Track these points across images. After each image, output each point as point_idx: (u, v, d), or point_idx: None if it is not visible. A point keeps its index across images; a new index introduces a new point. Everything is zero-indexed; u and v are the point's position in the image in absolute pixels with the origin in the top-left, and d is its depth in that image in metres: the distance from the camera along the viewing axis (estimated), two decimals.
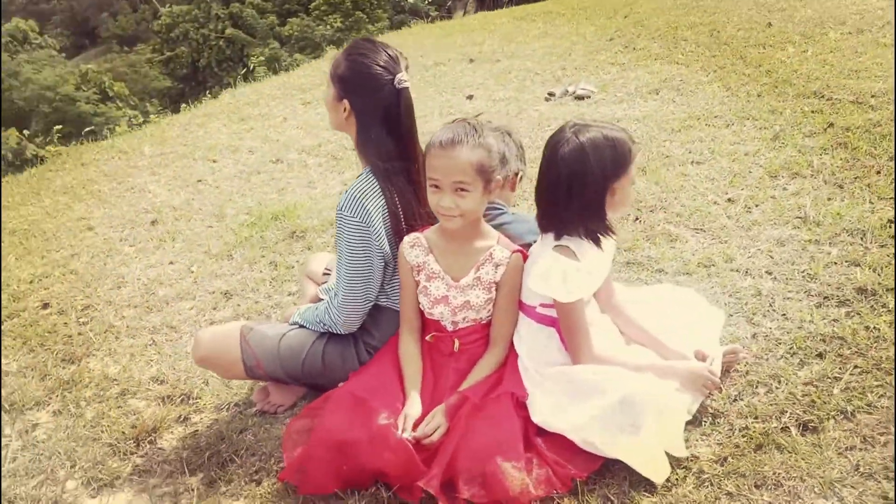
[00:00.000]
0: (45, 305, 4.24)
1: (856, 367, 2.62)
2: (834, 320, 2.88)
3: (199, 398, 3.18)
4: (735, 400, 2.61)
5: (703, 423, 2.55)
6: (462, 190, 2.50)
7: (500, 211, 2.92)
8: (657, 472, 2.32)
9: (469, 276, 2.63)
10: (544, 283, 2.50)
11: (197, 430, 3.00)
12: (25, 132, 17.45)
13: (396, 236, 2.76)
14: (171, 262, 4.51)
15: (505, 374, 2.63)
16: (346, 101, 2.75)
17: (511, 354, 2.68)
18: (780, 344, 2.83)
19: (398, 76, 2.72)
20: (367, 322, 2.88)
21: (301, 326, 2.94)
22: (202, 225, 5.00)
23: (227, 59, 30.94)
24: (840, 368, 2.63)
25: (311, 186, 5.42)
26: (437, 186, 2.53)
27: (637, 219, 3.95)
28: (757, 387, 2.65)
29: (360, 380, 2.68)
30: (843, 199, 3.70)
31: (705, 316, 2.91)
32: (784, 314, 2.98)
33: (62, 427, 3.12)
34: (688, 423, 2.55)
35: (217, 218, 5.06)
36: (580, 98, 6.30)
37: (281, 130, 6.87)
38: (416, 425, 2.49)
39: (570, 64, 7.61)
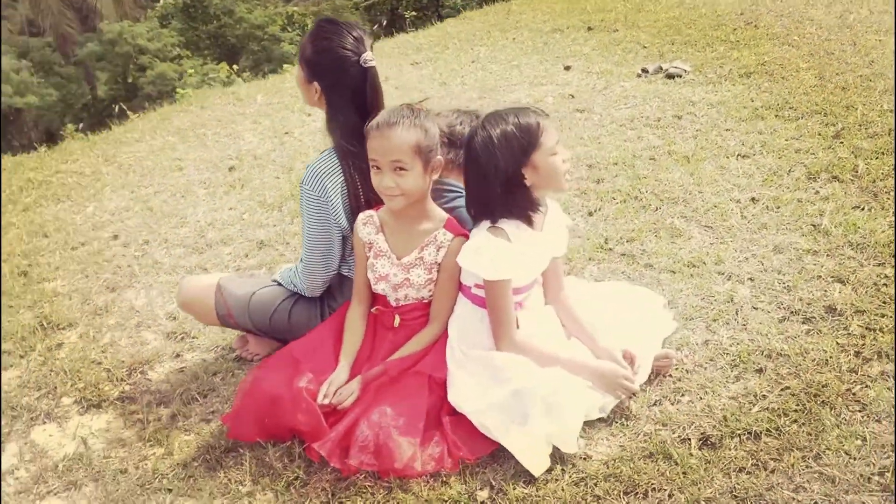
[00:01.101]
0: (115, 237, 4.64)
1: (786, 388, 2.53)
2: (790, 337, 2.77)
3: (196, 338, 3.43)
4: (654, 405, 2.59)
5: (615, 423, 2.54)
6: (400, 169, 2.57)
7: (458, 194, 2.96)
8: (536, 464, 2.35)
9: (412, 256, 2.71)
10: (473, 258, 2.55)
11: (183, 368, 3.26)
12: (235, 67, 18.48)
13: (355, 213, 2.86)
14: (231, 208, 4.80)
15: (431, 352, 2.70)
16: (315, 84, 2.86)
17: (444, 333, 2.75)
18: (725, 354, 2.75)
19: (363, 56, 2.80)
20: (333, 287, 3.02)
21: (279, 284, 3.12)
22: (271, 175, 5.27)
23: (423, 7, 31.06)
24: (770, 387, 2.55)
25: None
26: (377, 167, 2.61)
27: (657, 209, 3.86)
28: (683, 394, 2.61)
29: (304, 341, 2.83)
30: (868, 209, 3.47)
31: (654, 319, 2.86)
32: (744, 325, 2.88)
33: (79, 349, 3.46)
34: (600, 421, 2.55)
35: (286, 170, 5.32)
36: (671, 77, 6.09)
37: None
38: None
39: (682, 39, 7.32)
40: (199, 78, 18.85)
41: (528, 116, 2.49)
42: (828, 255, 3.19)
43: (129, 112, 7.78)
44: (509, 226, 2.54)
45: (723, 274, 3.20)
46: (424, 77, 7.23)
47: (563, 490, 2.29)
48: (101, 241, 4.61)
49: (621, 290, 3.03)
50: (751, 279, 3.13)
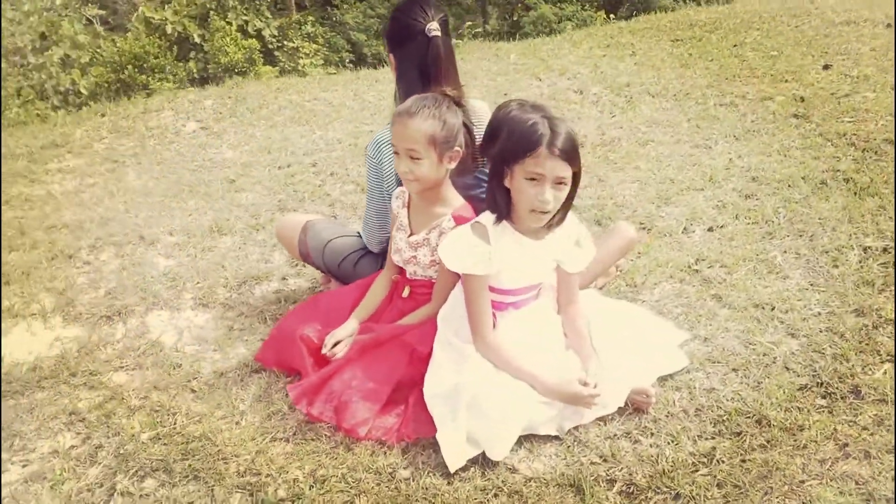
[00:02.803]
0: (314, 164, 5.06)
1: (745, 461, 2.26)
2: (795, 408, 2.44)
3: (305, 267, 3.70)
4: (612, 437, 2.44)
5: (566, 445, 2.44)
6: (414, 157, 2.61)
7: None
8: (452, 460, 2.34)
9: (419, 235, 2.75)
10: (446, 246, 2.55)
11: (280, 290, 3.57)
12: (612, 17, 18.63)
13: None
14: None
15: (424, 328, 2.73)
16: (391, 55, 2.95)
17: None
18: (718, 408, 2.49)
19: (428, 25, 2.84)
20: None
21: (359, 235, 3.30)
22: None
23: None
24: (732, 455, 2.28)
25: None
26: (396, 152, 2.66)
27: (779, 239, 3.45)
28: (648, 436, 2.43)
29: (333, 294, 3.01)
30: None
31: (658, 353, 2.64)
32: (759, 383, 2.57)
33: (220, 254, 3.90)
34: (556, 439, 2.46)
35: None
36: None
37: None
38: None
39: None
40: (576, 23, 18.83)
41: (540, 129, 2.36)
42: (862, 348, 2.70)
43: None
44: (491, 225, 2.49)
45: (783, 324, 2.84)
46: (673, 56, 6.82)
47: (463, 491, 2.27)
48: (301, 165, 5.07)
49: (639, 316, 2.81)
50: (806, 336, 2.75)
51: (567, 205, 2.48)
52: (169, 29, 12.21)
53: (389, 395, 2.59)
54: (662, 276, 3.26)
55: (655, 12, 9.57)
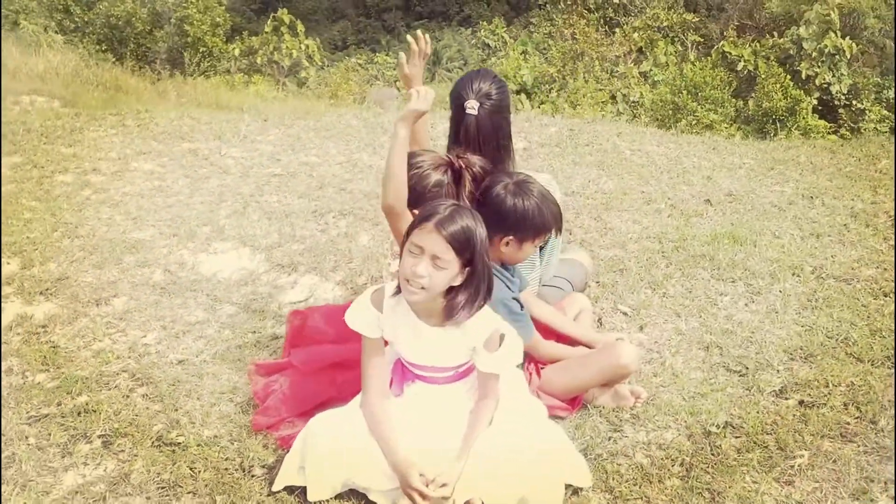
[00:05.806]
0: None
1: None
2: None
3: None
4: None
5: None
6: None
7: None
8: (279, 479, 2.45)
9: None
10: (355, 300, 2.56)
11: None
12: None
13: None
14: None
15: None
16: None
17: None
18: None
19: (467, 102, 2.92)
20: None
21: None
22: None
23: None
24: None
25: None
26: None
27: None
28: None
29: None
30: None
31: (536, 487, 2.37)
32: None
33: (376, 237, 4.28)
34: None
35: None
36: None
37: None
38: None
39: None
40: None
41: (439, 209, 2.30)
42: None
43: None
44: (391, 294, 2.44)
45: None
46: None
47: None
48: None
49: (548, 443, 2.44)
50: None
51: (467, 304, 2.34)
52: (740, 66, 12.18)
53: (310, 410, 2.69)
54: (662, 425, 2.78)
55: None
